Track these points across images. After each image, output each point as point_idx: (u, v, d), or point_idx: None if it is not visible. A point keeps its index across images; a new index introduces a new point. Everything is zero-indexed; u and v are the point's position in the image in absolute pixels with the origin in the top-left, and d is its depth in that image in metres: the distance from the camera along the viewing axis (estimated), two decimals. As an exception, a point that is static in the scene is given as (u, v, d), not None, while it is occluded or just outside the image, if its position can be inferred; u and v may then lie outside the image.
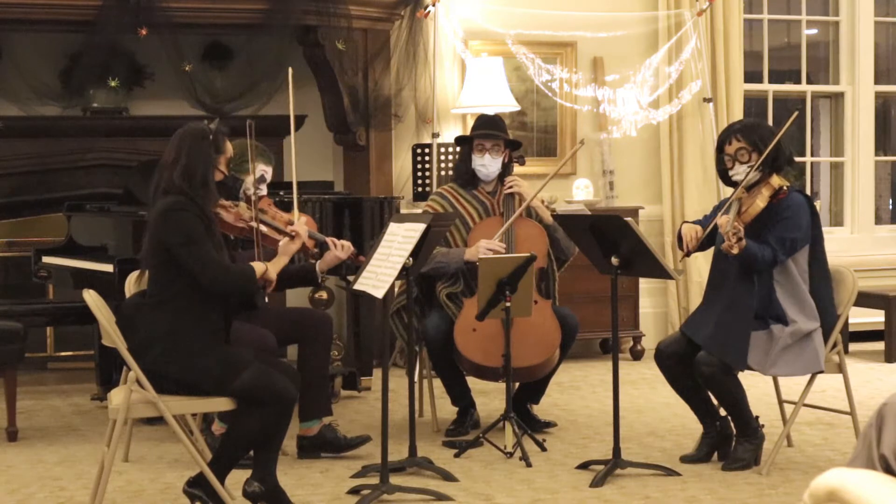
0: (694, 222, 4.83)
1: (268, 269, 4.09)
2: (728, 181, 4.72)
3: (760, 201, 4.51)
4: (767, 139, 4.57)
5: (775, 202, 4.56)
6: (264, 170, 4.93)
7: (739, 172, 4.62)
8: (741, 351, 4.50)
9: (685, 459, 4.76)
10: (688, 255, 4.75)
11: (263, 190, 4.95)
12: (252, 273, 4.02)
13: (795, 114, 4.64)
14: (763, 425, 4.75)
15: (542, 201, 5.52)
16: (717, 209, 4.82)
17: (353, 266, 5.55)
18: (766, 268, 4.51)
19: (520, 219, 5.31)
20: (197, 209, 3.92)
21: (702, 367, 4.56)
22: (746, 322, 4.53)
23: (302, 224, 4.44)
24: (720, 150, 4.71)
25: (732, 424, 4.72)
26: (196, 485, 3.96)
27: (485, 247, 5.15)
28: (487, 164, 5.36)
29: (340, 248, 4.63)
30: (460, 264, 5.22)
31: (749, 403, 4.68)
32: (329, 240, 4.68)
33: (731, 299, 4.58)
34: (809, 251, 4.60)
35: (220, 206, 4.21)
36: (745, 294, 4.55)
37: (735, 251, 4.37)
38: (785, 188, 4.56)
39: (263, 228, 4.41)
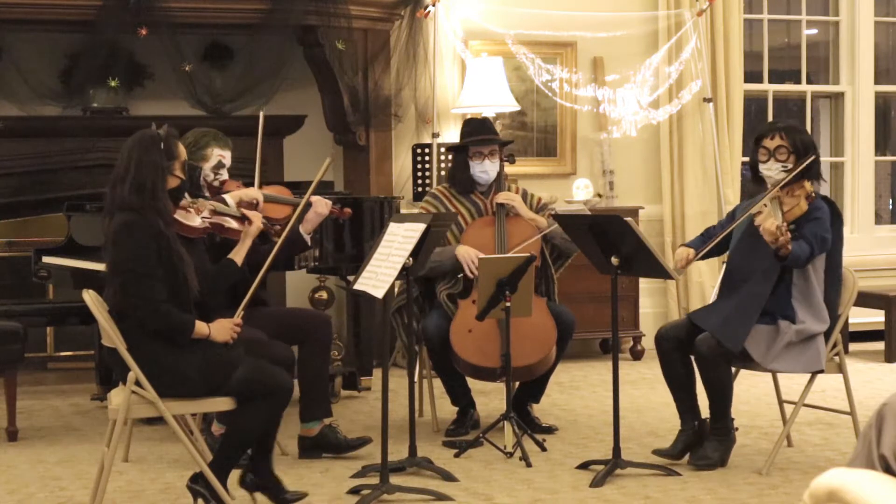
0: (698, 236, 4.92)
1: (211, 332, 3.92)
2: (756, 175, 4.77)
3: (804, 203, 4.57)
4: (808, 144, 4.66)
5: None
6: (221, 154, 4.90)
7: (773, 169, 4.66)
8: (740, 335, 4.52)
9: (657, 452, 4.75)
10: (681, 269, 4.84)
11: (224, 175, 4.92)
12: (186, 328, 3.86)
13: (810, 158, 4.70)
14: (737, 428, 4.76)
15: (539, 199, 5.52)
16: (731, 217, 4.86)
17: (352, 258, 5.55)
18: (804, 263, 4.54)
19: (512, 218, 5.33)
20: (148, 226, 3.84)
21: (701, 347, 4.58)
22: (753, 314, 4.55)
23: (256, 213, 4.48)
24: (758, 142, 4.75)
25: (709, 417, 4.71)
26: (198, 481, 3.95)
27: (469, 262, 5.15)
28: (488, 169, 5.37)
29: (323, 206, 4.80)
30: (453, 261, 5.22)
31: (732, 403, 4.67)
32: (312, 199, 4.72)
33: (744, 297, 4.60)
34: (827, 256, 4.65)
35: (180, 209, 4.15)
36: (761, 294, 4.58)
37: (790, 247, 4.40)
38: (813, 194, 4.63)
39: (224, 222, 4.40)
